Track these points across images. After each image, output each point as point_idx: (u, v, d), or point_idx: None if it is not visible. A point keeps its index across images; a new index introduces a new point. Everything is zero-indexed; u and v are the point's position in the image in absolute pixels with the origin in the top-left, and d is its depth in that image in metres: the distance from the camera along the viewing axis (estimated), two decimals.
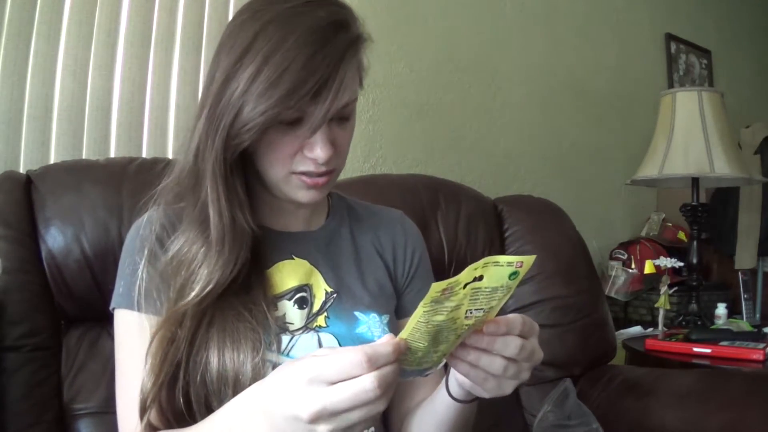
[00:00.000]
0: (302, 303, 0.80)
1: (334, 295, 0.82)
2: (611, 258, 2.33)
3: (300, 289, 0.81)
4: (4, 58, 1.27)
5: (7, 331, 0.95)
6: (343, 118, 0.75)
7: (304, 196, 0.76)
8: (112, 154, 1.41)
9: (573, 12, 2.42)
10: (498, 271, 0.53)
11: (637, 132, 2.36)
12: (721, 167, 1.80)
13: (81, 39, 1.36)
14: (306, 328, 0.79)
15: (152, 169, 1.12)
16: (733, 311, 2.07)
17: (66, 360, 1.01)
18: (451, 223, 1.37)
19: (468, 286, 0.52)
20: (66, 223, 1.03)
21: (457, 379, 0.70)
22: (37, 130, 1.31)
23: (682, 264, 1.84)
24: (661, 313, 1.65)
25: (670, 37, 2.81)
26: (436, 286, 0.51)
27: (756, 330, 1.72)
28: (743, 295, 2.16)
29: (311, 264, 0.83)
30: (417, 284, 0.92)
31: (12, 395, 0.93)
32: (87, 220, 1.04)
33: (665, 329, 1.65)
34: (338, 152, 0.75)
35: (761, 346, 1.48)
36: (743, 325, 1.82)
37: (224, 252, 0.72)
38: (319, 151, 0.72)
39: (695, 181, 1.90)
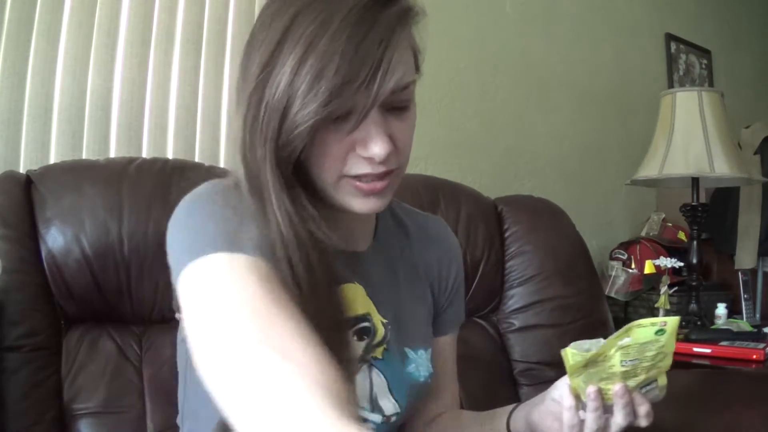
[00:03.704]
0: (363, 334, 0.71)
1: (389, 327, 0.74)
2: (611, 258, 2.33)
3: (363, 318, 0.72)
4: (4, 58, 1.27)
5: (7, 331, 0.95)
6: (399, 107, 0.63)
7: (360, 205, 0.64)
8: (112, 154, 1.40)
9: (573, 12, 2.42)
10: (643, 331, 0.62)
11: (637, 132, 2.36)
12: (721, 167, 1.80)
13: (81, 39, 1.36)
14: (362, 360, 0.71)
15: (152, 169, 1.12)
16: (733, 311, 2.07)
17: (66, 360, 1.01)
18: (451, 223, 1.35)
19: (617, 348, 0.62)
20: (66, 223, 1.03)
21: (529, 422, 0.73)
22: (37, 130, 1.31)
23: (682, 264, 1.84)
24: (661, 313, 1.65)
25: (670, 37, 2.81)
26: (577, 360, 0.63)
27: (756, 330, 1.72)
28: (743, 295, 2.16)
29: (366, 290, 0.73)
30: (456, 302, 0.87)
31: (12, 395, 0.93)
32: (87, 220, 1.04)
33: None
34: (398, 148, 0.63)
35: (761, 346, 1.48)
36: (743, 325, 1.82)
37: (315, 279, 0.59)
38: (375, 148, 0.60)
39: (695, 181, 1.90)
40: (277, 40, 0.59)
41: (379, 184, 0.63)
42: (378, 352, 0.72)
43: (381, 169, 0.62)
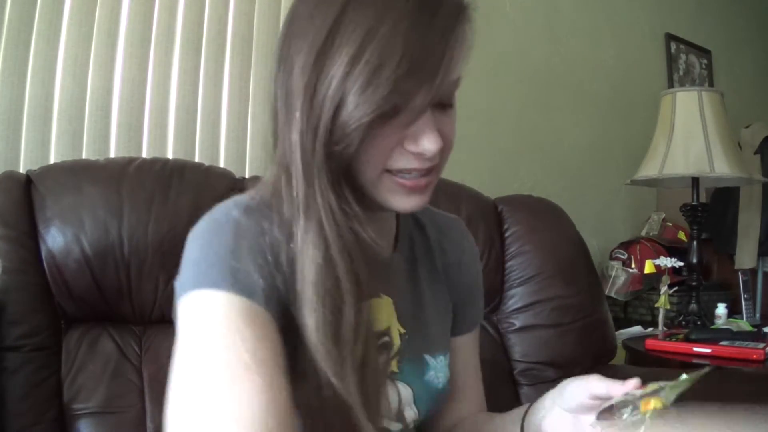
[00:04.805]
0: (383, 348, 0.68)
1: (406, 338, 0.71)
2: (611, 258, 2.33)
3: (384, 333, 0.69)
4: (4, 58, 1.27)
5: (7, 331, 0.95)
6: (446, 103, 0.61)
7: (403, 203, 0.62)
8: (112, 154, 1.41)
9: (573, 12, 2.42)
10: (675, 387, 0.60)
11: (637, 132, 2.36)
12: (721, 167, 1.80)
13: (81, 39, 1.36)
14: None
15: (152, 169, 1.12)
16: (733, 311, 2.07)
17: (66, 360, 1.01)
18: None
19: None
20: (66, 223, 1.03)
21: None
22: (37, 130, 1.31)
23: (682, 264, 1.84)
24: (661, 313, 1.65)
25: (670, 37, 2.81)
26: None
27: (756, 330, 1.72)
28: (743, 295, 2.16)
29: (391, 300, 0.70)
30: (475, 302, 0.86)
31: (12, 395, 0.93)
32: (87, 220, 1.04)
33: (665, 329, 1.65)
34: (445, 145, 0.61)
35: (761, 346, 1.48)
36: (743, 325, 1.82)
37: (360, 283, 0.58)
38: (427, 143, 0.58)
39: (695, 181, 1.90)
40: (328, 27, 0.55)
41: (423, 181, 0.61)
42: (393, 365, 0.70)
43: (427, 164, 0.60)
